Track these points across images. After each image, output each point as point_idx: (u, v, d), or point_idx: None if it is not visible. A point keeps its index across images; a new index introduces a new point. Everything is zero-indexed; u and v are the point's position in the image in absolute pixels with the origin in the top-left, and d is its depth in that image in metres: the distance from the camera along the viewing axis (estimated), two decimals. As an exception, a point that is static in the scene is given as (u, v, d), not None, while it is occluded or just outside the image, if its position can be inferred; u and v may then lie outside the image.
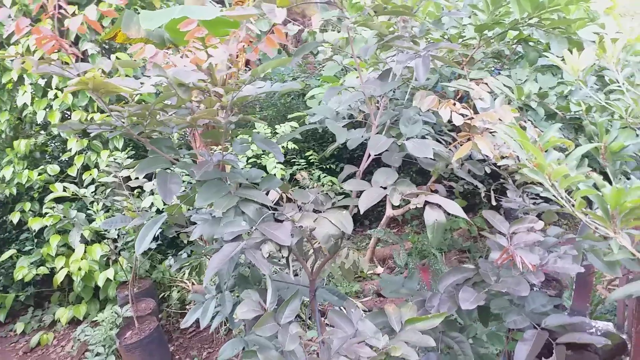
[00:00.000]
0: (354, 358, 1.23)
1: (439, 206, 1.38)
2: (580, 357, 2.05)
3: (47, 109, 4.12)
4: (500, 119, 1.40)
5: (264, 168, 3.96)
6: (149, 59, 1.46)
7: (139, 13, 4.28)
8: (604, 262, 1.53)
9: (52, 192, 3.70)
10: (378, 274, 4.32)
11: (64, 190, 3.60)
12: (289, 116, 4.20)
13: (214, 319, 1.81)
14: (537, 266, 1.47)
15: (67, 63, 1.34)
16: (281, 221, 1.40)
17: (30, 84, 4.14)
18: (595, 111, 2.07)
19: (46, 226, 3.93)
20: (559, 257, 1.54)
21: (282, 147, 4.29)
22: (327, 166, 4.97)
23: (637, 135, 1.72)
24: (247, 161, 4.07)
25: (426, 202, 1.41)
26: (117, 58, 1.56)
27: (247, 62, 4.61)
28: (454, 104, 1.44)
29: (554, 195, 1.15)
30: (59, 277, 3.89)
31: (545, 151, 1.28)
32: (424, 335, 1.34)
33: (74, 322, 4.17)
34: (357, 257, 2.19)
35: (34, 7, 4.02)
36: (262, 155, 4.07)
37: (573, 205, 1.07)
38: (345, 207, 1.52)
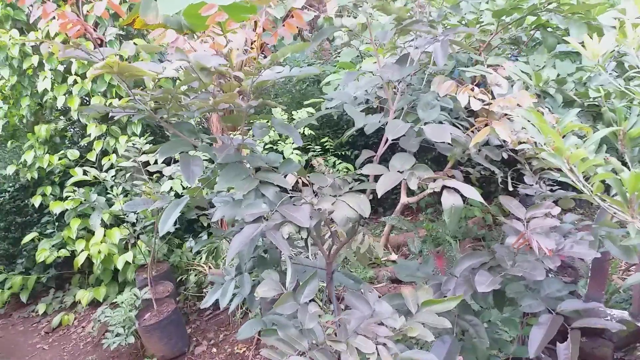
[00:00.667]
0: (371, 337, 1.26)
1: (457, 191, 1.40)
2: (595, 344, 2.06)
3: (67, 95, 4.18)
4: (518, 104, 1.40)
5: (280, 154, 3.98)
6: (170, 44, 1.48)
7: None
8: (620, 248, 1.54)
9: (72, 176, 3.78)
10: (392, 261, 4.35)
11: (85, 174, 3.67)
12: (305, 102, 4.21)
13: (233, 299, 1.85)
14: (553, 251, 1.48)
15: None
16: (300, 204, 1.42)
17: (50, 69, 4.20)
18: (614, 97, 2.05)
19: (67, 210, 4.02)
20: (575, 243, 1.55)
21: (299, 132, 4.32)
22: (342, 153, 4.98)
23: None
24: (264, 147, 4.10)
25: (443, 187, 1.43)
26: (134, 44, 1.57)
27: (263, 49, 4.63)
28: (472, 89, 1.44)
29: (572, 180, 1.16)
30: (80, 260, 3.98)
31: (563, 136, 1.29)
32: (440, 317, 1.36)
33: (94, 304, 4.27)
34: (372, 241, 2.22)
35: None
36: (279, 142, 4.10)
37: (591, 190, 1.08)
38: (363, 191, 1.54)
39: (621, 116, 1.56)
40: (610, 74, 2.24)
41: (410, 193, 4.33)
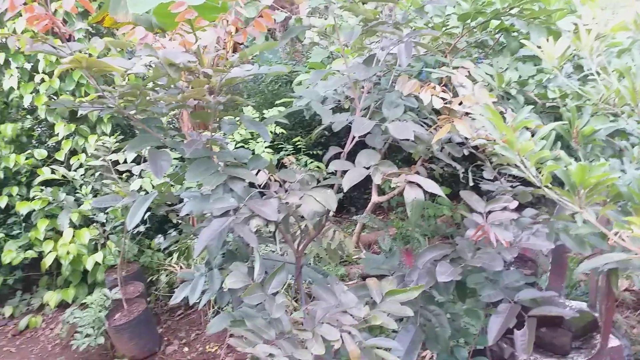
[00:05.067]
0: (336, 326, 1.30)
1: (419, 186, 1.45)
2: (554, 334, 2.15)
3: (34, 94, 4.12)
4: (477, 102, 1.47)
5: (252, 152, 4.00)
6: (139, 40, 1.50)
7: (126, -2, 4.29)
8: (574, 239, 1.62)
9: (39, 176, 3.72)
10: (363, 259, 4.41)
11: (53, 173, 3.62)
12: (277, 102, 4.24)
13: (203, 295, 1.87)
14: (511, 243, 1.55)
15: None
16: (268, 198, 1.46)
17: (17, 67, 4.13)
18: (571, 98, 2.15)
19: (34, 210, 3.95)
20: (532, 235, 1.62)
21: (270, 131, 4.35)
22: (315, 152, 5.03)
23: (610, 120, 1.81)
24: (235, 146, 4.11)
25: (406, 182, 1.48)
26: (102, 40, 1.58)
27: (235, 49, 4.64)
28: (434, 88, 1.51)
29: (525, 173, 1.23)
30: (47, 261, 3.91)
31: (519, 132, 1.35)
32: (403, 306, 1.42)
33: (62, 306, 4.20)
34: (342, 237, 2.26)
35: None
36: (250, 140, 4.12)
37: (541, 181, 1.15)
38: (330, 186, 1.58)
39: (574, 115, 1.64)
40: (570, 76, 2.34)
41: (382, 193, 4.42)
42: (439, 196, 1.46)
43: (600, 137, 1.70)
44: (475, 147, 1.77)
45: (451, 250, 1.64)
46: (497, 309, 1.55)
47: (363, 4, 1.73)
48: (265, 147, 4.08)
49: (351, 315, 1.35)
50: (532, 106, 2.17)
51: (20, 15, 1.34)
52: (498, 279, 1.70)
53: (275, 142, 4.77)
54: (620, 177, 1.30)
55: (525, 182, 1.62)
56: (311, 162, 4.52)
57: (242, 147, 4.09)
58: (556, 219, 1.74)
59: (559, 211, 2.14)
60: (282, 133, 4.55)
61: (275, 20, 1.58)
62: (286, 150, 4.72)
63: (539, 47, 1.75)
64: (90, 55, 1.50)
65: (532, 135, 1.41)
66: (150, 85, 1.43)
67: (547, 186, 1.18)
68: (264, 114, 4.26)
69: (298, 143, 4.79)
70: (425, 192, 1.42)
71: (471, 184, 1.87)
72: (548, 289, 2.41)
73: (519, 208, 1.66)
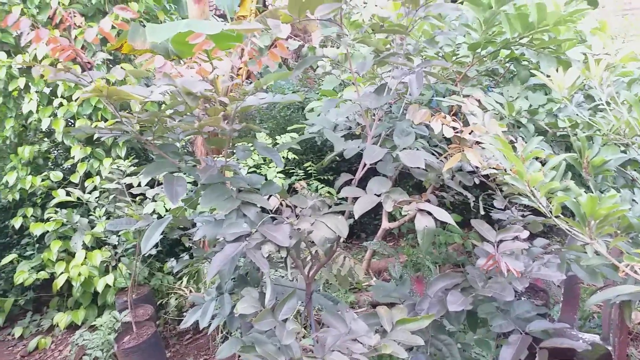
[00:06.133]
0: (346, 353, 1.30)
1: (429, 214, 1.46)
2: (567, 367, 2.11)
3: (52, 117, 4.21)
4: (487, 132, 1.49)
5: (264, 177, 4.04)
6: (158, 69, 1.55)
7: (143, 25, 4.41)
8: (586, 270, 1.61)
9: (54, 198, 3.78)
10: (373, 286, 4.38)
11: (68, 195, 3.68)
12: (289, 128, 4.29)
13: (213, 320, 1.88)
14: (522, 273, 1.55)
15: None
16: (280, 224, 1.48)
17: (36, 92, 4.24)
18: (582, 128, 2.16)
19: (47, 231, 3.99)
20: (543, 265, 1.62)
21: (282, 157, 4.39)
22: (325, 178, 5.06)
23: (621, 150, 1.81)
24: (247, 171, 4.15)
25: (417, 210, 1.49)
26: (122, 69, 1.62)
27: (249, 75, 4.73)
28: (445, 117, 1.53)
29: (534, 203, 1.24)
30: (59, 282, 3.94)
31: (529, 162, 1.37)
32: (414, 335, 1.41)
33: (72, 327, 4.21)
34: (353, 264, 2.27)
35: (43, 17, 4.11)
36: (262, 165, 4.16)
37: (551, 212, 1.16)
38: (341, 212, 1.60)
39: (584, 145, 1.65)
40: (579, 105, 2.36)
41: (392, 219, 4.41)
42: (450, 224, 1.47)
43: (611, 167, 1.71)
44: (486, 176, 1.78)
45: (462, 279, 1.64)
46: (509, 339, 1.54)
47: (373, 31, 1.77)
48: (277, 172, 4.12)
49: (361, 343, 1.35)
50: (542, 136, 2.19)
51: (47, 44, 1.38)
52: (509, 309, 1.69)
53: (286, 167, 4.81)
54: (631, 209, 1.30)
55: (536, 212, 1.62)
56: (322, 187, 4.54)
57: (255, 172, 4.13)
58: (568, 249, 1.74)
59: (570, 241, 2.13)
60: (294, 158, 4.60)
61: (288, 48, 1.63)
62: (297, 175, 4.75)
63: (549, 76, 1.78)
64: (108, 82, 1.55)
65: (543, 164, 1.43)
66: (169, 112, 1.47)
67: (557, 217, 1.18)
68: (276, 140, 4.32)
69: (309, 168, 4.83)
70: (436, 220, 1.43)
71: (482, 212, 1.88)
72: (560, 320, 2.38)
73: (530, 237, 1.66)
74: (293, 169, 4.86)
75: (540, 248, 1.80)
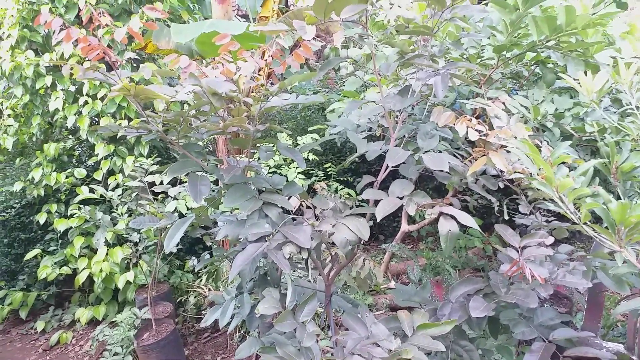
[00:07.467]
0: (367, 357, 1.29)
1: (453, 218, 1.45)
2: (590, 376, 2.07)
3: (77, 115, 4.28)
4: (514, 136, 1.46)
5: (284, 177, 4.04)
6: (183, 69, 1.56)
7: (168, 26, 4.46)
8: (612, 278, 1.58)
9: (77, 195, 3.85)
10: (391, 289, 4.36)
11: (91, 192, 3.73)
12: (310, 129, 4.29)
13: (233, 319, 1.89)
14: (546, 279, 1.52)
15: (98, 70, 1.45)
16: (301, 225, 1.47)
17: (62, 90, 4.32)
18: (610, 133, 2.11)
19: (71, 227, 4.06)
20: (568, 272, 1.59)
21: (303, 158, 4.40)
22: (345, 179, 5.05)
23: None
24: (268, 171, 4.17)
25: (440, 214, 1.48)
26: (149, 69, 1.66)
27: (269, 75, 4.75)
28: (470, 120, 1.51)
29: (562, 208, 1.21)
30: (81, 278, 4.01)
31: (556, 167, 1.34)
32: (435, 341, 1.40)
33: (92, 323, 4.28)
34: (372, 267, 2.25)
35: (70, 16, 4.18)
36: (283, 166, 4.17)
37: (579, 218, 1.13)
38: (363, 214, 1.59)
39: (613, 150, 1.62)
40: (607, 109, 2.31)
41: (411, 221, 4.38)
42: (470, 227, 1.45)
43: (641, 173, 1.67)
44: (511, 180, 1.75)
45: (484, 284, 1.62)
46: (532, 347, 1.51)
47: (397, 32, 1.76)
48: (298, 173, 4.12)
49: (382, 347, 1.34)
50: (569, 140, 2.16)
51: (76, 43, 1.41)
52: (532, 316, 1.66)
53: (306, 168, 4.82)
54: (663, 216, 1.27)
55: (560, 217, 1.59)
56: (341, 188, 4.53)
57: (276, 172, 4.14)
58: (593, 256, 1.70)
59: (595, 248, 2.09)
60: (314, 159, 4.60)
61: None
62: (317, 176, 4.75)
63: (577, 80, 1.74)
64: (132, 80, 1.56)
65: (569, 170, 1.40)
66: (192, 112, 1.48)
67: (585, 223, 1.16)
68: (297, 140, 4.32)
69: (329, 169, 4.82)
70: (459, 224, 1.41)
71: (506, 217, 1.85)
72: (583, 328, 2.33)
73: (554, 243, 1.63)
74: (313, 169, 4.86)
75: (565, 254, 1.77)
